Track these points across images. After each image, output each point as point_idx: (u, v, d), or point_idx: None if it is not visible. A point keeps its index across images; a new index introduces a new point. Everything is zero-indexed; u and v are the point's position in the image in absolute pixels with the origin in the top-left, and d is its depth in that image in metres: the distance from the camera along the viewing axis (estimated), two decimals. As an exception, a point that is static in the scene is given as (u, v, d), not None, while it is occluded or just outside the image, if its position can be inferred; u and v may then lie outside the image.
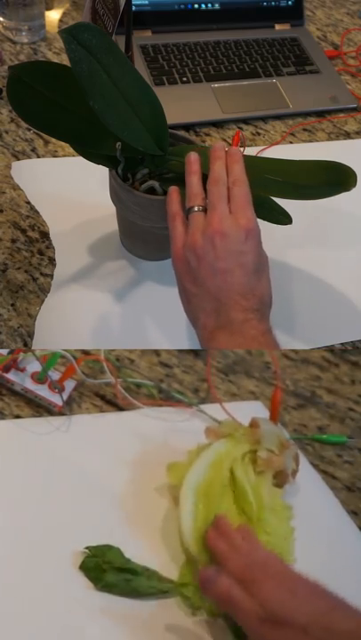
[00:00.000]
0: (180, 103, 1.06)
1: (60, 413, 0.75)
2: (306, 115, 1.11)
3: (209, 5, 1.20)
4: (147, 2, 1.16)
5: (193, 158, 0.70)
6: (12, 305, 0.79)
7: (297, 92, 1.12)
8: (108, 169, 0.76)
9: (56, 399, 0.75)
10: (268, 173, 0.73)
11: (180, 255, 0.67)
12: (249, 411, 0.77)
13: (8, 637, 0.54)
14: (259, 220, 0.68)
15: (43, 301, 0.79)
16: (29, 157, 0.96)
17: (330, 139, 1.08)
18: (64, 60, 1.09)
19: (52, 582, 0.59)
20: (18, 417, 0.74)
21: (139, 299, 0.82)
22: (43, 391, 0.75)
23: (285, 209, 0.76)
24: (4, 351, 0.75)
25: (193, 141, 0.81)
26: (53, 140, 0.97)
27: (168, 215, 0.69)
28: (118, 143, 0.70)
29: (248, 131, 1.07)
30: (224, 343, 0.63)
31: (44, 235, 0.86)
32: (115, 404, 0.79)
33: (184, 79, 1.10)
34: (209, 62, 1.14)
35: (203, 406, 0.81)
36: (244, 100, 1.10)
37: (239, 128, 1.06)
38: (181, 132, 0.83)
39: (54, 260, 0.84)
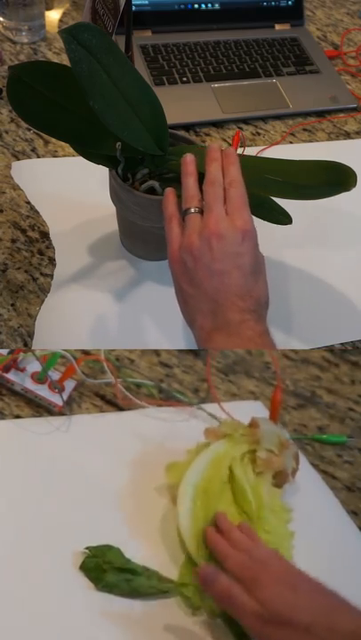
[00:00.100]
0: (180, 103, 1.06)
1: (60, 413, 0.75)
2: (306, 115, 1.11)
3: (209, 5, 1.20)
4: (147, 2, 1.16)
5: (189, 159, 0.70)
6: (12, 305, 0.79)
7: (297, 92, 1.12)
8: (108, 169, 0.76)
9: (56, 399, 0.75)
10: (267, 173, 0.73)
11: (177, 257, 0.67)
12: (249, 411, 0.77)
13: (8, 638, 0.54)
14: (258, 220, 0.68)
15: (43, 301, 0.79)
16: (29, 157, 0.96)
17: (330, 139, 1.08)
18: (64, 60, 1.09)
19: (52, 583, 0.59)
20: (18, 417, 0.74)
21: (139, 299, 0.82)
22: (43, 391, 0.75)
23: (285, 209, 0.76)
24: (4, 351, 0.75)
25: (193, 141, 0.81)
26: (53, 140, 0.97)
27: (164, 217, 0.69)
28: (118, 143, 0.70)
29: (248, 131, 1.07)
30: (221, 344, 0.63)
31: (44, 235, 0.86)
32: (115, 404, 0.79)
33: (184, 79, 1.10)
34: (209, 62, 1.14)
35: (203, 406, 0.81)
36: (244, 100, 1.10)
37: (239, 128, 1.06)
38: (181, 132, 0.83)
39: (54, 260, 0.84)
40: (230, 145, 1.03)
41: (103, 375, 0.79)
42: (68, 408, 0.76)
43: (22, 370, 0.76)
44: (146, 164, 0.75)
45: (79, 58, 0.64)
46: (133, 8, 1.05)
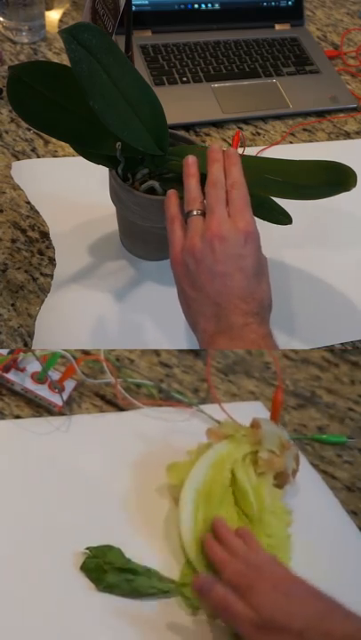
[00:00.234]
0: (180, 103, 1.06)
1: (60, 413, 0.75)
2: (306, 115, 1.11)
3: (209, 5, 1.20)
4: (147, 2, 1.16)
5: (191, 161, 0.69)
6: (12, 305, 0.79)
7: (297, 92, 1.12)
8: (108, 169, 0.76)
9: (56, 399, 0.75)
10: (268, 173, 0.73)
11: (179, 259, 0.66)
12: (249, 411, 0.77)
13: (9, 638, 0.54)
14: (258, 221, 0.68)
15: (43, 301, 0.79)
16: (29, 157, 0.96)
17: (330, 139, 1.08)
18: (64, 60, 1.09)
19: (52, 583, 0.59)
20: (18, 417, 0.74)
21: (139, 299, 0.82)
22: (43, 391, 0.75)
23: (285, 209, 0.76)
24: (4, 351, 0.75)
25: (193, 141, 0.81)
26: (53, 140, 0.97)
27: (166, 219, 0.69)
28: (118, 143, 0.70)
29: (248, 131, 1.07)
30: (224, 347, 0.63)
31: (44, 235, 0.86)
32: (115, 404, 0.79)
33: (184, 79, 1.10)
34: (209, 62, 1.14)
35: (203, 406, 0.81)
36: (244, 99, 1.10)
37: (239, 128, 1.06)
38: (181, 132, 0.83)
39: (54, 259, 0.84)
40: (230, 145, 1.03)
41: (103, 375, 0.79)
42: (68, 408, 0.76)
43: (22, 370, 0.76)
44: (146, 164, 0.75)
45: (79, 58, 0.64)
46: (133, 8, 1.05)
